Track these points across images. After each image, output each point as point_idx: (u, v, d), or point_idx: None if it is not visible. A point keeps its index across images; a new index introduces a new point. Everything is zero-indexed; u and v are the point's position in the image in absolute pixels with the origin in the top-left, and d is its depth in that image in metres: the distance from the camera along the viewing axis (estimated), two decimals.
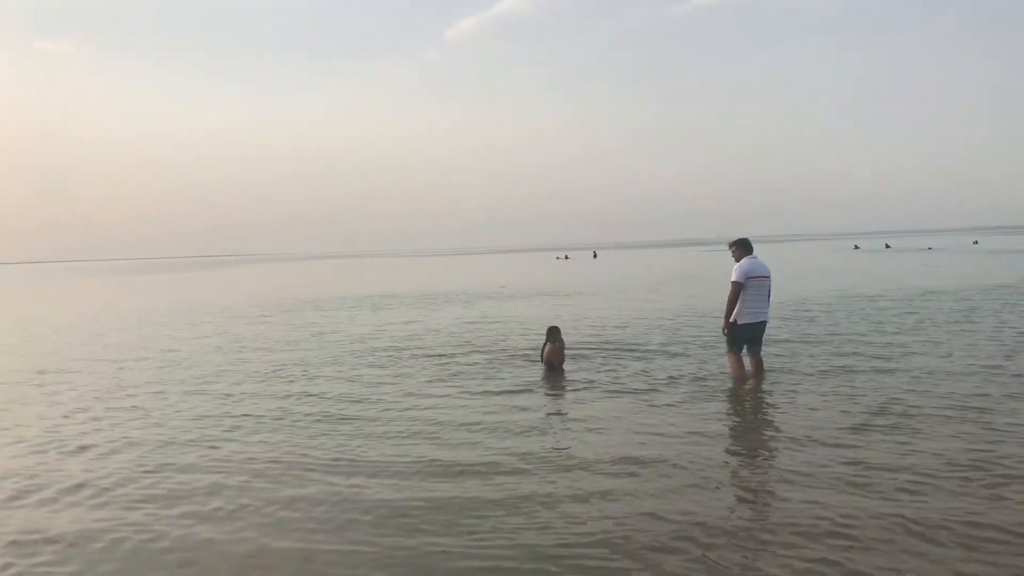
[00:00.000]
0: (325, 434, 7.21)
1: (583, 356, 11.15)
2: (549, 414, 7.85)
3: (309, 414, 8.09)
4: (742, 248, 8.86)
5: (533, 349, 11.70)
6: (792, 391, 8.35)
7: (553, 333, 10.23)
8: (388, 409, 8.20)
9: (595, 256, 79.20)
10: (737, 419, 7.58)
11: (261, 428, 7.57)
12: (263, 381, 10.23)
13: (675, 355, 11.06)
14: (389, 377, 10.18)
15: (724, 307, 8.83)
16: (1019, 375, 8.73)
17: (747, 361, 9.08)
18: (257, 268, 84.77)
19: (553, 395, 8.81)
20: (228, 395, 9.34)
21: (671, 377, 9.38)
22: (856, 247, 74.11)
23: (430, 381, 9.75)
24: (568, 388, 9.07)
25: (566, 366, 10.25)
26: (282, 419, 7.91)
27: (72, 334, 17.80)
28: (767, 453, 6.30)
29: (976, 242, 75.29)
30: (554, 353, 10.06)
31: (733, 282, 8.65)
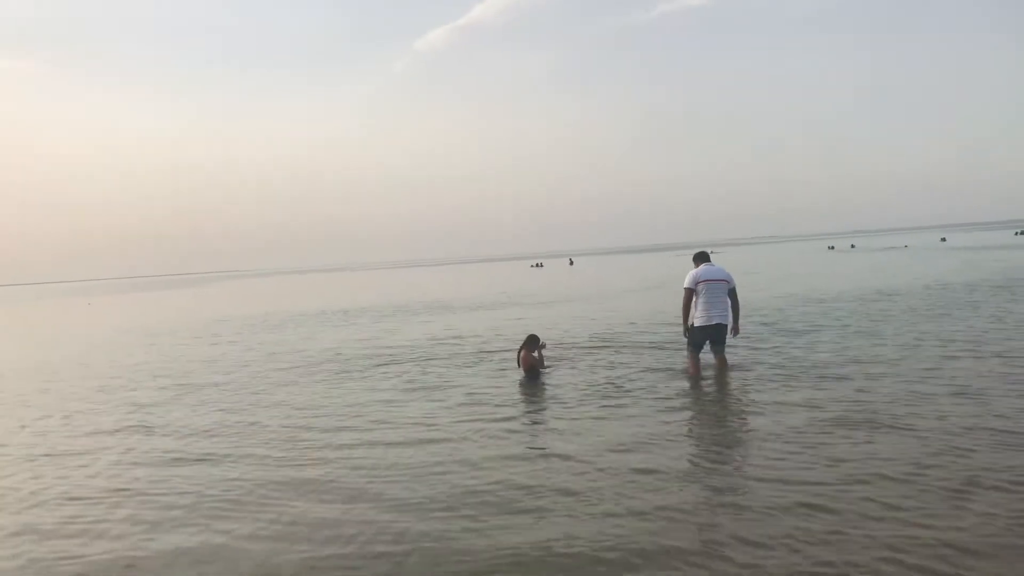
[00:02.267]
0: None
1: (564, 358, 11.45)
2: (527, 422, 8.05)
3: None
4: (698, 259, 9.82)
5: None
6: (747, 388, 8.78)
7: (531, 340, 10.52)
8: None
9: (571, 263, 79.50)
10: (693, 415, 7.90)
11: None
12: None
13: (631, 358, 11.39)
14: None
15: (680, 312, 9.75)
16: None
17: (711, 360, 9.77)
18: (230, 284, 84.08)
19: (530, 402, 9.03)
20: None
21: (632, 381, 9.65)
22: (830, 247, 75.86)
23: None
24: (542, 395, 9.30)
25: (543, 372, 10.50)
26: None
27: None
28: (725, 452, 6.59)
29: (944, 239, 76.94)
30: (528, 359, 10.34)
31: (684, 288, 9.57)
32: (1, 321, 41.40)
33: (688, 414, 7.88)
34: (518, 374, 10.52)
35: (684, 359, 10.13)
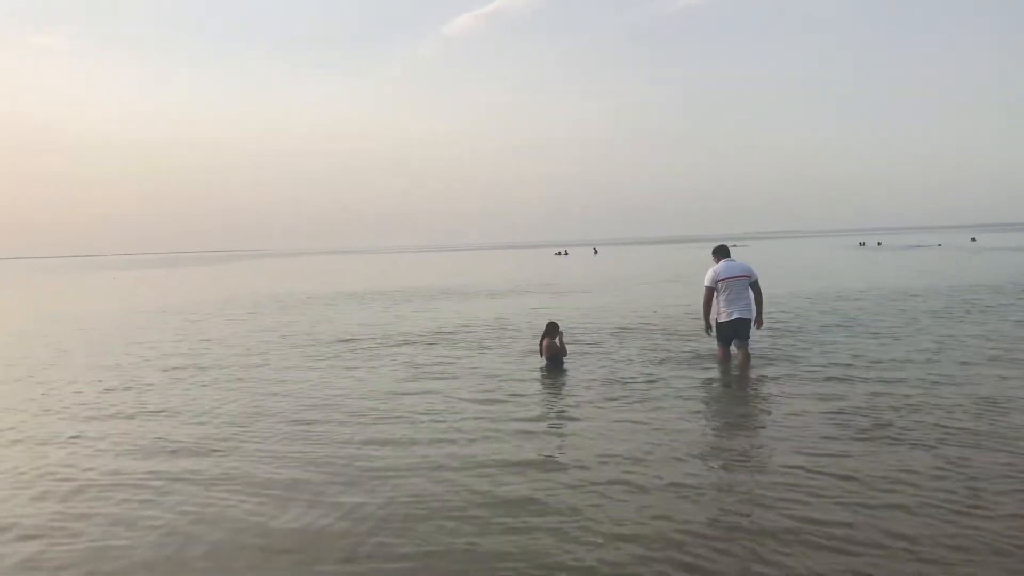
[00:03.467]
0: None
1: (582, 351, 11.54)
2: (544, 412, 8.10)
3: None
4: (717, 254, 9.88)
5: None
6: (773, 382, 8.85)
7: (552, 328, 10.60)
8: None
9: (595, 252, 79.35)
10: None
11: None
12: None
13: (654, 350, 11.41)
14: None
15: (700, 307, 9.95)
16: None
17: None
18: (262, 264, 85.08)
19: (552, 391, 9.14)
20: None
21: (654, 373, 9.68)
22: (861, 243, 75.39)
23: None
24: (566, 383, 9.41)
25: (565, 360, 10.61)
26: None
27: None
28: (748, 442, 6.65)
29: (974, 239, 75.69)
30: (552, 348, 10.44)
31: (704, 287, 9.66)
32: (25, 292, 42.27)
33: (706, 412, 7.90)
34: (540, 362, 10.62)
35: (707, 350, 10.37)
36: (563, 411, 7.98)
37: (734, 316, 9.52)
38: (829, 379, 8.89)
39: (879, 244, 72.40)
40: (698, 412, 7.80)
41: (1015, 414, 7.07)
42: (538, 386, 9.34)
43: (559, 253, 79.47)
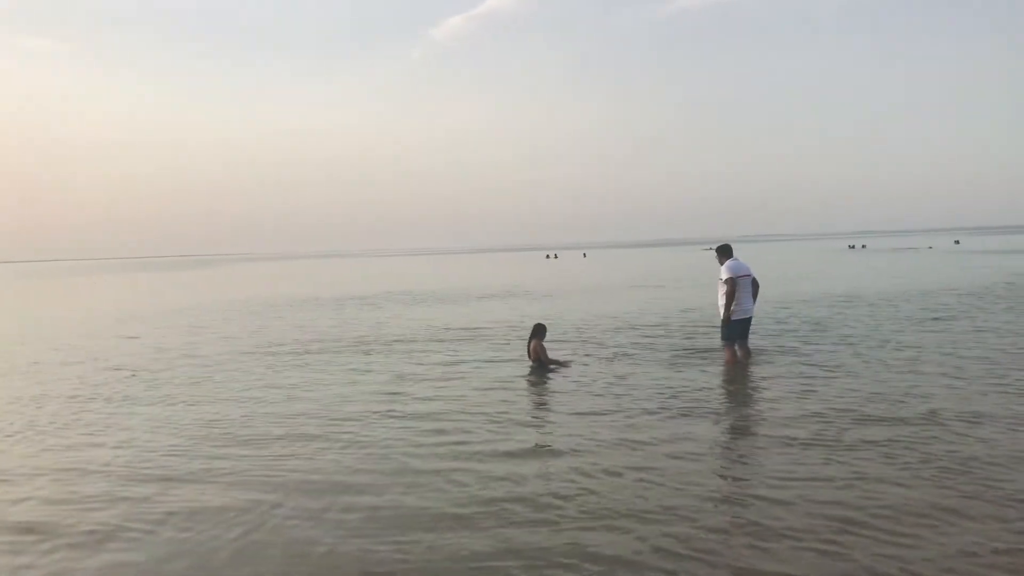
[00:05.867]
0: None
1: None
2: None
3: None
4: (724, 253, 10.01)
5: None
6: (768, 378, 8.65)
7: (539, 330, 10.37)
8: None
9: (585, 256, 79.51)
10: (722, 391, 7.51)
11: None
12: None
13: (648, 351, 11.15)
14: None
15: (717, 302, 9.98)
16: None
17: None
18: (265, 267, 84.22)
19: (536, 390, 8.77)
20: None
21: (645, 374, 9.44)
22: (851, 246, 75.99)
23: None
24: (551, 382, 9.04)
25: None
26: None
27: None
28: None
29: (957, 242, 76.36)
30: (538, 349, 10.18)
31: (728, 279, 9.61)
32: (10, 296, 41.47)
33: (687, 415, 7.47)
34: (524, 366, 10.29)
35: (684, 349, 10.45)
36: (539, 418, 7.62)
37: (746, 315, 9.88)
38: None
39: (864, 247, 72.87)
40: (678, 417, 7.37)
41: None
42: (521, 388, 8.97)
43: (549, 256, 79.39)
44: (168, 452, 6.62)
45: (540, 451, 6.30)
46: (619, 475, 5.53)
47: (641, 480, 5.41)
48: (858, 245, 79.30)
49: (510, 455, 6.16)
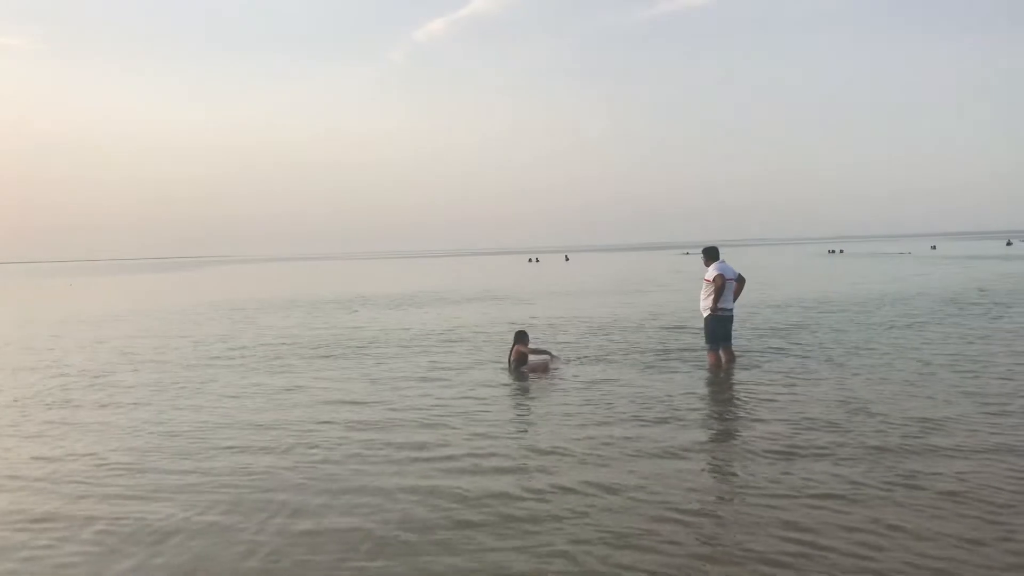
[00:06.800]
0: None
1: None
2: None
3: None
4: (710, 255, 10.05)
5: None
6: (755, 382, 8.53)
7: (520, 336, 10.43)
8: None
9: (567, 259, 79.43)
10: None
11: None
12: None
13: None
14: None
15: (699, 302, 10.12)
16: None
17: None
18: (223, 269, 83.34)
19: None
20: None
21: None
22: (831, 251, 76.32)
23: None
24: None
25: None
26: None
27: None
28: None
29: (934, 247, 77.11)
30: (519, 355, 10.23)
31: (716, 276, 9.67)
32: None
33: (666, 422, 7.40)
34: (499, 371, 10.19)
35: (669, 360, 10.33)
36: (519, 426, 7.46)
37: (730, 313, 9.92)
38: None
39: (841, 251, 73.50)
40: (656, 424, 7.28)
41: None
42: (501, 392, 8.86)
43: (531, 260, 79.23)
44: (102, 463, 6.29)
45: (511, 465, 5.99)
46: (596, 492, 5.25)
47: (622, 496, 5.16)
48: (836, 250, 79.91)
49: (478, 470, 5.86)
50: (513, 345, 10.35)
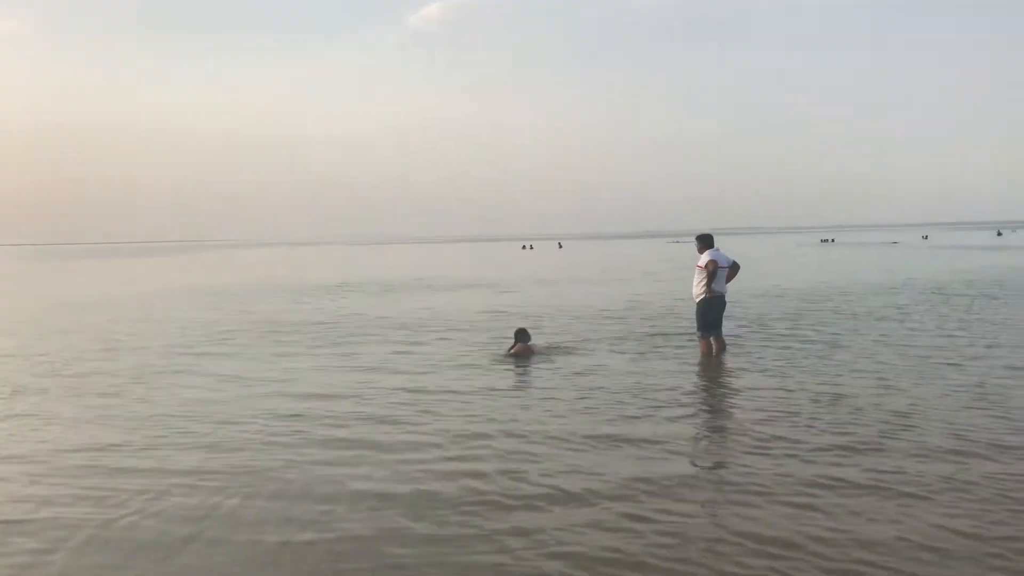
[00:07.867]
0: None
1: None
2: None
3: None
4: (705, 242, 10.05)
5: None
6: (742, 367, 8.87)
7: (521, 334, 10.45)
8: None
9: (560, 247, 79.38)
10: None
11: None
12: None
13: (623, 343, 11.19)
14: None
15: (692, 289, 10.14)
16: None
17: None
18: (229, 254, 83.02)
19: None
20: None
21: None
22: (823, 240, 76.99)
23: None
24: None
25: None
26: None
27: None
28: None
29: (925, 237, 77.81)
30: (522, 351, 10.22)
31: (709, 262, 9.72)
32: None
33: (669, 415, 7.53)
34: (490, 362, 10.17)
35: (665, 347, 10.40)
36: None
37: (723, 296, 9.94)
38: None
39: (832, 240, 73.98)
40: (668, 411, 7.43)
41: None
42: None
43: (525, 247, 79.18)
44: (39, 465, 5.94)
45: (498, 468, 5.65)
46: (583, 486, 5.19)
47: (608, 492, 5.10)
48: (829, 239, 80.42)
49: (460, 472, 5.57)
50: (515, 343, 10.34)
